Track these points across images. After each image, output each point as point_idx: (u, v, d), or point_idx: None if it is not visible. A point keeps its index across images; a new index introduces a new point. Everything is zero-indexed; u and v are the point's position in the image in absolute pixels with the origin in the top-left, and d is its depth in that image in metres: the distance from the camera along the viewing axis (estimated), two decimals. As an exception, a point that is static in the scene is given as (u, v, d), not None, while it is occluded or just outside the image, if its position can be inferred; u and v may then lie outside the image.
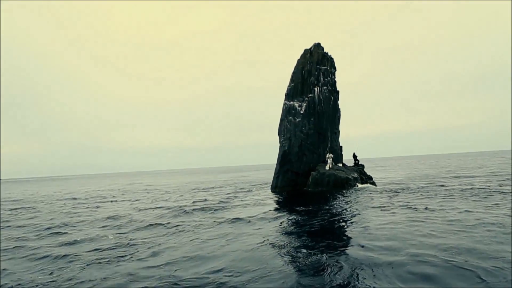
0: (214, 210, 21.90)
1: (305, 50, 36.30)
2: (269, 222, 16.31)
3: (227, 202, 25.96)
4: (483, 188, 24.71)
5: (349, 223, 14.77)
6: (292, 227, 14.65)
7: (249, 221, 16.72)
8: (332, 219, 15.88)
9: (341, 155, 38.29)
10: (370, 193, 25.67)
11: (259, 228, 14.86)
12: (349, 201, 21.86)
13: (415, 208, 17.74)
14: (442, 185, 28.83)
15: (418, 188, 28.01)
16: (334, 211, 18.12)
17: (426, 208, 17.21)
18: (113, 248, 12.89)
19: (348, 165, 36.35)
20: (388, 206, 18.72)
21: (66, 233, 16.70)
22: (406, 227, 13.08)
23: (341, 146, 38.54)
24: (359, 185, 31.34)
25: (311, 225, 14.60)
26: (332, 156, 32.83)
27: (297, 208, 19.89)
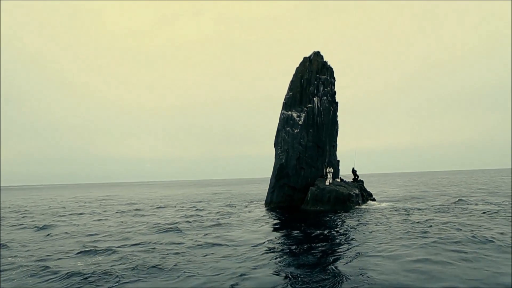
0: (208, 230, 19.04)
1: (304, 58, 34.49)
2: (270, 253, 13.17)
3: (221, 220, 23.08)
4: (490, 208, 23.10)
5: (373, 257, 12.08)
6: (295, 268, 11.18)
7: (251, 248, 14.02)
8: (344, 252, 12.49)
9: (339, 170, 36.30)
10: (380, 214, 22.82)
11: (257, 263, 11.87)
12: (358, 225, 18.63)
13: (445, 230, 15.58)
14: (454, 203, 27.16)
15: (430, 207, 26.12)
16: (344, 240, 14.68)
17: (473, 236, 14.99)
18: (90, 276, 9.93)
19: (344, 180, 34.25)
20: (409, 232, 16.07)
21: (25, 250, 13.47)
22: (454, 267, 10.65)
23: (338, 161, 36.59)
24: (363, 205, 29.03)
25: (321, 265, 10.92)
26: (332, 170, 30.67)
27: (300, 234, 16.52)
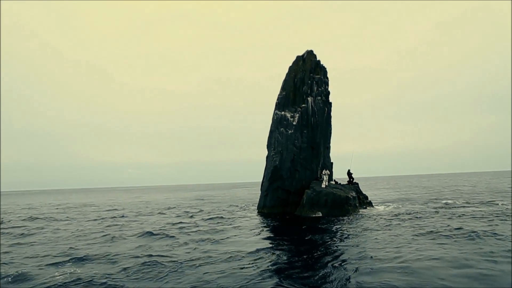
0: (202, 237, 17.43)
1: (298, 57, 33.47)
2: (278, 265, 11.77)
3: (214, 227, 21.51)
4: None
5: (397, 270, 10.50)
6: (311, 281, 9.75)
7: (255, 259, 12.65)
8: (362, 264, 10.96)
9: (332, 172, 35.31)
10: (385, 219, 21.07)
11: (266, 276, 10.38)
12: (369, 232, 16.89)
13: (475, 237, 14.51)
14: (449, 206, 26.54)
15: (433, 209, 25.36)
16: (356, 250, 13.04)
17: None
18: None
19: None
20: (428, 240, 14.71)
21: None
22: (492, 277, 9.57)
23: (332, 163, 35.62)
24: (362, 209, 27.90)
25: (342, 280, 9.45)
26: (328, 173, 29.63)
27: (305, 243, 15.01)
